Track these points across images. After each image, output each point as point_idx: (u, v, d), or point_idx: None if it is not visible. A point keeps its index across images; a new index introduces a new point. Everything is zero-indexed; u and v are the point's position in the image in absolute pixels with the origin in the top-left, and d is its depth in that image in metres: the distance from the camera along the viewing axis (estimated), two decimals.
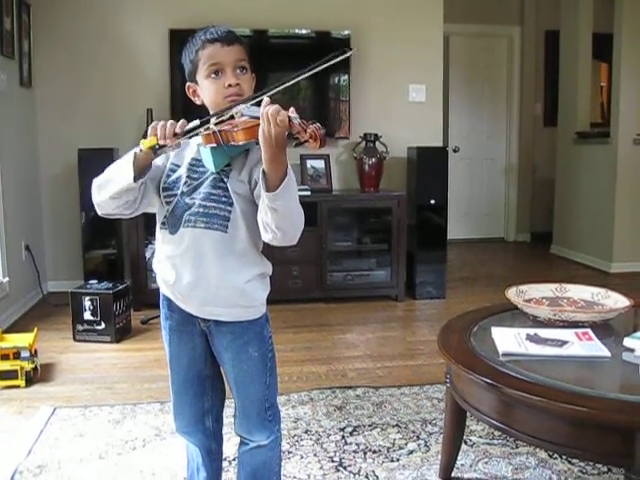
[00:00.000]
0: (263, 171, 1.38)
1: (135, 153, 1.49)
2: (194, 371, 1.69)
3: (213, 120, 1.48)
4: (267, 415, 1.67)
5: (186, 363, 1.68)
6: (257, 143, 1.38)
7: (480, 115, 7.35)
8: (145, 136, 1.49)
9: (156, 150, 1.48)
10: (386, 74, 5.10)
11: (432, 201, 4.73)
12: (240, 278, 1.56)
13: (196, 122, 1.48)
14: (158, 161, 1.64)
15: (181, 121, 1.46)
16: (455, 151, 7.10)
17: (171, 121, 1.46)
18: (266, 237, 1.48)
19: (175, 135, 1.45)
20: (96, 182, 1.56)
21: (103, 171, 1.56)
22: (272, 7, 4.91)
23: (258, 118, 1.36)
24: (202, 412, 1.73)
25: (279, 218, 1.40)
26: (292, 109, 1.32)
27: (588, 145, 6.00)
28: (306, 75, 1.42)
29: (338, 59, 1.41)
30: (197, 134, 1.48)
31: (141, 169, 1.50)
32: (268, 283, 1.66)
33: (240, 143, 1.44)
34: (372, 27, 5.04)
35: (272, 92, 1.42)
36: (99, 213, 1.59)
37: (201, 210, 1.53)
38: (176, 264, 1.57)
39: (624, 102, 5.50)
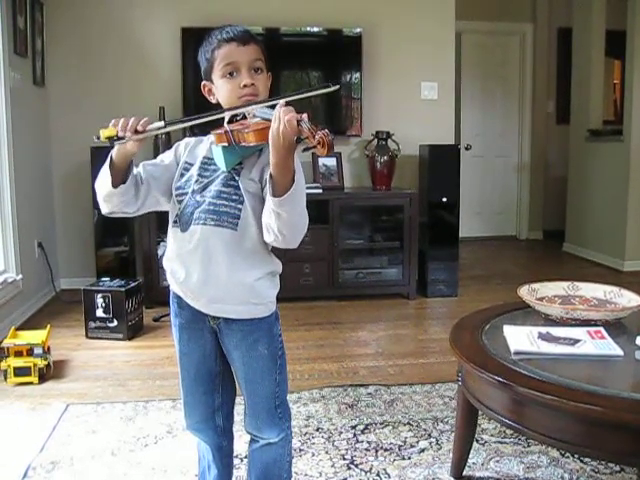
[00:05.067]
0: (270, 175, 1.38)
1: (111, 157, 1.50)
2: (204, 368, 1.69)
3: (226, 119, 1.48)
4: (277, 412, 1.67)
5: (196, 360, 1.68)
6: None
7: (492, 113, 7.33)
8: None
9: (114, 141, 1.47)
10: (398, 72, 5.09)
11: (444, 199, 4.72)
12: (250, 276, 1.56)
13: (160, 123, 1.50)
14: (167, 160, 1.65)
15: (145, 118, 1.47)
16: (467, 149, 7.08)
17: (135, 117, 1.47)
18: (268, 238, 1.48)
19: (136, 131, 1.45)
20: (95, 183, 1.58)
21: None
22: (284, 5, 4.92)
23: (270, 120, 1.36)
24: (212, 409, 1.73)
25: (282, 223, 1.40)
26: (305, 115, 1.31)
27: (601, 143, 5.97)
28: (298, 97, 1.44)
29: (325, 91, 1.47)
30: (157, 136, 1.50)
31: (118, 173, 1.51)
32: (278, 281, 1.66)
33: (251, 144, 1.44)
34: (384, 25, 5.03)
35: (282, 101, 1.41)
36: (102, 212, 1.61)
37: (211, 208, 1.53)
38: (186, 261, 1.57)
39: (637, 100, 5.45)
